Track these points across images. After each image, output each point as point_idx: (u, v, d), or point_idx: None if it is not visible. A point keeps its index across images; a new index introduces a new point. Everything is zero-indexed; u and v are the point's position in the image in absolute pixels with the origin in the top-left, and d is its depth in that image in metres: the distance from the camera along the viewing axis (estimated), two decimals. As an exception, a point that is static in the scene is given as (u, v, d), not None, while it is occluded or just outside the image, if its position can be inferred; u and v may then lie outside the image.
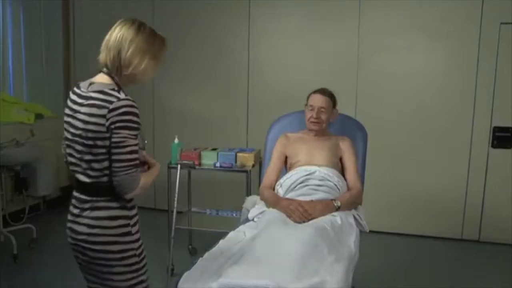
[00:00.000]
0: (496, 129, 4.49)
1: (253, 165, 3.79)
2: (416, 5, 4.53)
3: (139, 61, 1.82)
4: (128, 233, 1.82)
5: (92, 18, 5.47)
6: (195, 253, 4.13)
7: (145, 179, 1.82)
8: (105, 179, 1.77)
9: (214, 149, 3.94)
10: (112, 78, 1.83)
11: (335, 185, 2.67)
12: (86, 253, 1.83)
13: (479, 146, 4.55)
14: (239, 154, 3.81)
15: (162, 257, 3.85)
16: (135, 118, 1.74)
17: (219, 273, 1.88)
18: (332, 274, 1.91)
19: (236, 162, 3.79)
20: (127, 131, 1.72)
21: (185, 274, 1.98)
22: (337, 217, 2.43)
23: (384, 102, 4.71)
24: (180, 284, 1.94)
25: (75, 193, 1.87)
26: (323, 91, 2.90)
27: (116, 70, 1.83)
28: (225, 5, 5.00)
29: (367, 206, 2.89)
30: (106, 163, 1.75)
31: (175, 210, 3.63)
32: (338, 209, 2.51)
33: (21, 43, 5.21)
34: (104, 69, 1.86)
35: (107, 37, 1.86)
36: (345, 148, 2.86)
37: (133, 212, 1.87)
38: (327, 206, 2.49)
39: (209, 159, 3.84)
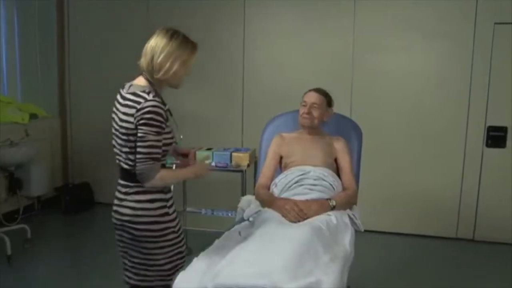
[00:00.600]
0: (491, 129, 4.51)
1: (248, 165, 3.79)
2: (412, 5, 4.54)
3: (170, 66, 2.05)
4: (166, 214, 2.12)
5: (88, 19, 5.45)
6: (190, 253, 4.08)
7: (167, 173, 2.09)
8: None
9: (209, 149, 3.93)
10: (148, 80, 2.09)
11: (330, 184, 2.67)
12: (131, 232, 2.10)
13: (473, 146, 4.56)
14: (234, 154, 3.81)
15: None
16: (156, 117, 1.98)
17: (214, 273, 1.86)
18: (327, 274, 1.90)
19: (231, 162, 3.79)
20: (147, 128, 1.97)
21: (180, 274, 1.97)
22: (332, 217, 2.42)
23: (380, 101, 4.72)
24: (175, 285, 1.93)
25: (119, 180, 2.17)
26: (318, 89, 2.91)
27: (150, 73, 2.08)
28: (220, 5, 4.99)
29: (362, 205, 2.89)
30: None
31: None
32: (333, 208, 2.51)
33: (15, 43, 5.19)
34: (143, 72, 2.11)
35: (147, 43, 2.10)
36: (340, 148, 2.85)
37: (169, 195, 2.17)
38: (322, 206, 2.49)
39: (204, 159, 3.82)
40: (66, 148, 5.73)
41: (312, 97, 2.85)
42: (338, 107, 3.08)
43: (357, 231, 2.61)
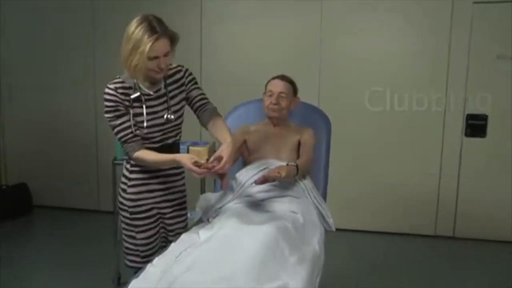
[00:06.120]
0: (469, 117, 4.61)
1: (207, 160, 3.78)
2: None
3: (128, 60, 2.23)
4: (124, 190, 2.48)
5: (22, 13, 5.33)
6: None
7: (142, 153, 2.35)
8: None
9: (163, 143, 3.90)
10: None
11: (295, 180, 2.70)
12: None
13: (452, 135, 4.67)
14: (191, 148, 3.80)
15: (108, 263, 3.82)
16: (107, 103, 2.30)
17: (171, 280, 1.86)
18: (294, 277, 1.93)
19: (188, 156, 3.78)
20: (106, 115, 2.33)
21: (133, 282, 1.95)
22: (299, 215, 2.45)
23: (350, 88, 4.78)
24: (127, 293, 1.92)
25: None
26: (283, 77, 2.92)
27: None
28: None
29: (332, 202, 2.94)
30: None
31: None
32: (296, 167, 2.57)
33: None
34: None
35: None
36: (306, 136, 2.87)
37: (133, 175, 2.47)
38: (289, 169, 2.53)
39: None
40: (-2, 145, 5.61)
41: (279, 86, 2.87)
42: (306, 94, 3.12)
43: (327, 230, 2.65)
